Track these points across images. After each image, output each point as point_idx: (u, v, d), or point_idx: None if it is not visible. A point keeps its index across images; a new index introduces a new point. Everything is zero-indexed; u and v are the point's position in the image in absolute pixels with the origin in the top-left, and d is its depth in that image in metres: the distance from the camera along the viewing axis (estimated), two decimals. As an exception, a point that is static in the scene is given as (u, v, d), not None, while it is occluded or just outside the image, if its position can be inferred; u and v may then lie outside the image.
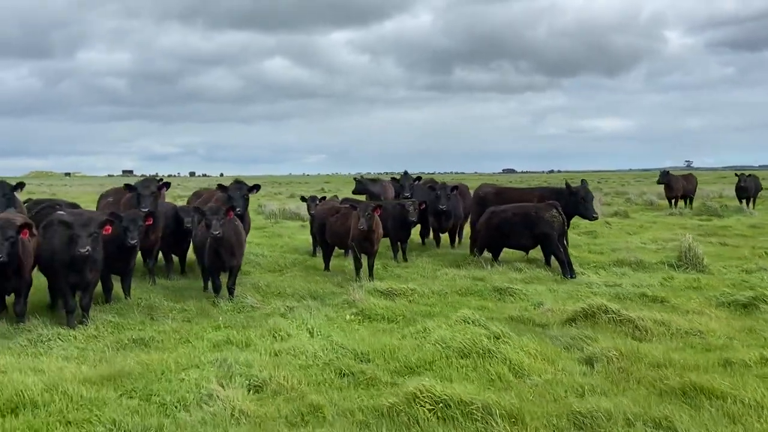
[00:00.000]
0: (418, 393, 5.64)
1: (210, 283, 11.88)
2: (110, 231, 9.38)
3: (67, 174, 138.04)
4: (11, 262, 8.82)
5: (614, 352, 6.97)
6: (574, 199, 13.78)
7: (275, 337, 8.46)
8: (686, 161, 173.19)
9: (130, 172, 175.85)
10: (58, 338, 8.63)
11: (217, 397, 6.12)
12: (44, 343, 8.48)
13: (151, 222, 10.87)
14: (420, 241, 17.92)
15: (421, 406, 5.55)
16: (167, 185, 13.55)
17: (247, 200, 13.06)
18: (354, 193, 23.72)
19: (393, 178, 19.82)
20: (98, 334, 8.87)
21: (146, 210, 11.13)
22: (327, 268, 13.90)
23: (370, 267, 12.78)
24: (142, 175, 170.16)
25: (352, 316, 9.67)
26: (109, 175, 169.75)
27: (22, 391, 6.33)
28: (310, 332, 8.71)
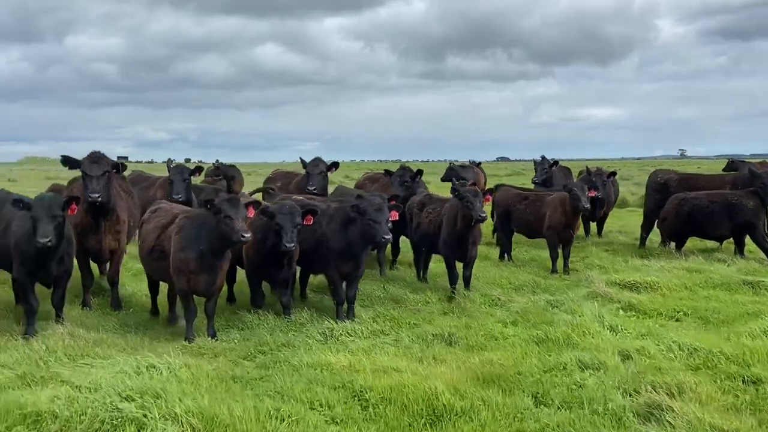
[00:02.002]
0: None
1: (423, 273, 11.25)
2: (396, 217, 8.64)
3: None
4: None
5: None
6: (755, 183, 12.98)
7: (585, 335, 7.78)
8: (680, 150, 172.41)
9: (125, 158, 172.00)
10: (347, 333, 7.98)
11: (670, 408, 5.42)
12: (337, 338, 7.84)
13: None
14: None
15: None
16: (336, 165, 12.84)
17: (408, 187, 12.25)
18: (443, 180, 22.94)
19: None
20: (382, 329, 8.21)
21: (398, 194, 10.43)
22: (509, 257, 13.16)
23: (566, 257, 12.10)
24: (138, 162, 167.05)
25: (622, 311, 9.05)
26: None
27: (433, 395, 5.65)
28: (611, 329, 8.05)
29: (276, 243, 8.02)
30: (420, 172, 13.13)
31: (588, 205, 11.54)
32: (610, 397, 5.80)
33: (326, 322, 8.21)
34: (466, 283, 10.09)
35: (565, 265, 11.98)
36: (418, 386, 5.78)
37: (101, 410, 5.05)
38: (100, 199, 8.59)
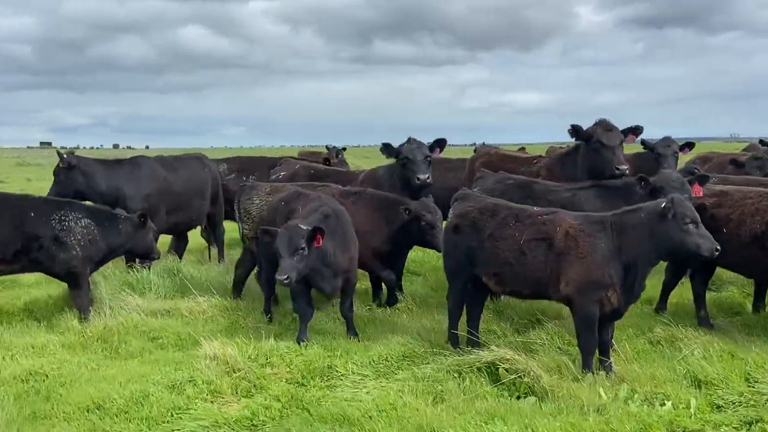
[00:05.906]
0: None
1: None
2: None
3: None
4: None
5: None
6: None
7: None
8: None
9: (48, 144, 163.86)
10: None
11: None
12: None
13: None
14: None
15: None
16: (690, 145, 10.15)
17: (677, 158, 9.82)
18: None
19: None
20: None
21: None
22: None
23: None
24: (63, 147, 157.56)
25: None
26: (28, 147, 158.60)
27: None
28: None
29: None
30: (691, 145, 10.21)
31: None
32: None
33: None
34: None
35: None
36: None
37: None
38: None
